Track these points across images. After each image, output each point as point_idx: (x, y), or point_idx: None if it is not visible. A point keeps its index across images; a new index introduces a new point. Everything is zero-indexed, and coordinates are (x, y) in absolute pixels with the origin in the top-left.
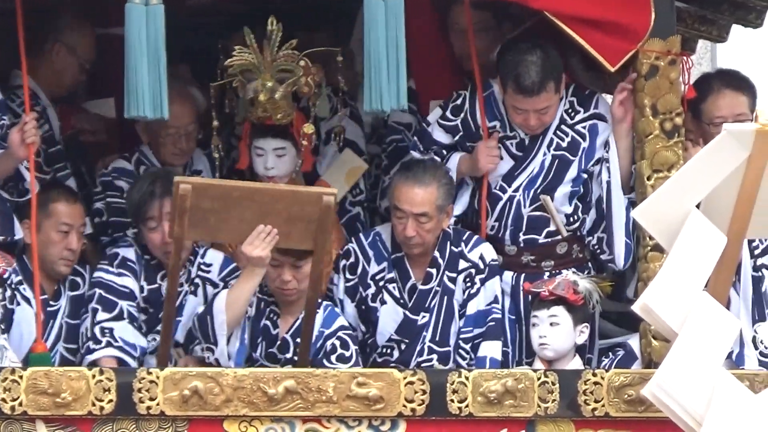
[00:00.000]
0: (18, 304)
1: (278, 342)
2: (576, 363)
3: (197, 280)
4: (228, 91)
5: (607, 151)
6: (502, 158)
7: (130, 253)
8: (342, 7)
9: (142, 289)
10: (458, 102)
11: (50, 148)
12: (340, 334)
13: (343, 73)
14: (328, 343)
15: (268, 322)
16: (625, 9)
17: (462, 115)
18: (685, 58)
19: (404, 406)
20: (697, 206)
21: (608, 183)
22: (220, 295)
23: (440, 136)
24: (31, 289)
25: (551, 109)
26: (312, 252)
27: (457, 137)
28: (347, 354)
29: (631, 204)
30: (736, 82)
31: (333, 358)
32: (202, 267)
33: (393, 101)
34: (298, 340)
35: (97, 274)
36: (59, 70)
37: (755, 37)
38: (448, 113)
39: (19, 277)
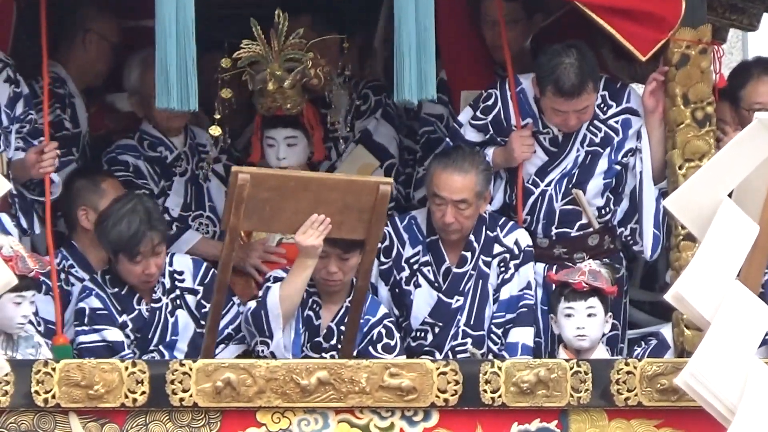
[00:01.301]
0: (72, 284)
1: (324, 331)
2: (601, 352)
3: (177, 292)
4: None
5: (640, 142)
6: (535, 151)
7: (95, 302)
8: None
9: (124, 324)
10: (489, 102)
11: (57, 132)
12: (385, 322)
13: (346, 60)
14: (375, 331)
15: (311, 313)
16: None
17: (493, 113)
18: (716, 47)
19: (437, 396)
20: (729, 195)
21: (640, 173)
22: (273, 289)
23: (472, 136)
24: (84, 271)
25: (590, 108)
26: (359, 244)
27: (488, 136)
28: (392, 343)
29: (662, 195)
30: None
31: (379, 347)
32: (175, 276)
33: (423, 92)
34: (343, 328)
35: (77, 339)
36: (94, 58)
37: None
38: (478, 113)
39: (70, 261)
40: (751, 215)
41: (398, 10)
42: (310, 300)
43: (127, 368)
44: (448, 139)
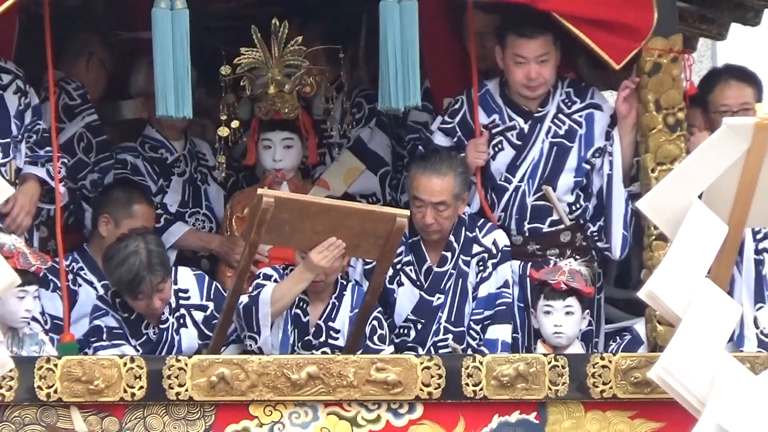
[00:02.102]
0: (80, 285)
1: (313, 329)
2: (576, 347)
3: (182, 311)
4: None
5: (611, 145)
6: (496, 153)
7: (111, 321)
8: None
9: (135, 348)
10: (456, 106)
11: (97, 137)
12: (375, 313)
13: (339, 69)
14: (368, 325)
15: (298, 311)
16: (629, 9)
17: (459, 116)
18: (686, 55)
19: (421, 389)
20: (700, 197)
21: (609, 176)
22: (266, 287)
23: (441, 140)
24: (93, 274)
25: (550, 65)
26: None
27: (456, 138)
28: (384, 333)
29: (631, 197)
30: (743, 74)
31: (375, 338)
32: (180, 295)
33: (408, 100)
34: (331, 324)
35: (98, 354)
36: (93, 79)
37: (753, 35)
38: (446, 117)
39: (80, 264)
40: (720, 216)
41: (383, 22)
42: (298, 299)
43: (125, 364)
44: (420, 146)
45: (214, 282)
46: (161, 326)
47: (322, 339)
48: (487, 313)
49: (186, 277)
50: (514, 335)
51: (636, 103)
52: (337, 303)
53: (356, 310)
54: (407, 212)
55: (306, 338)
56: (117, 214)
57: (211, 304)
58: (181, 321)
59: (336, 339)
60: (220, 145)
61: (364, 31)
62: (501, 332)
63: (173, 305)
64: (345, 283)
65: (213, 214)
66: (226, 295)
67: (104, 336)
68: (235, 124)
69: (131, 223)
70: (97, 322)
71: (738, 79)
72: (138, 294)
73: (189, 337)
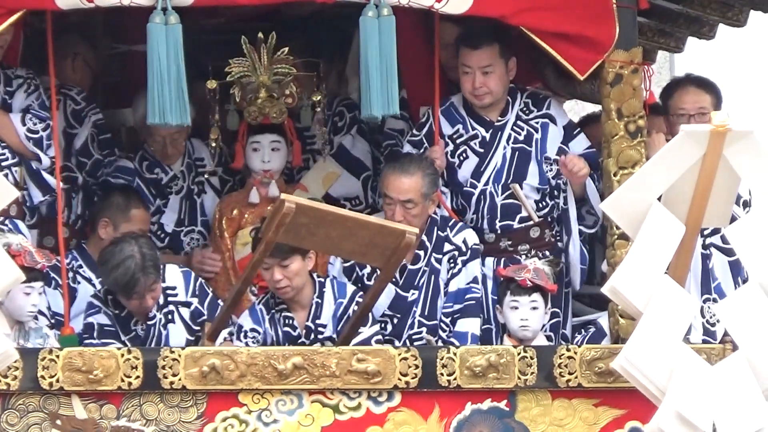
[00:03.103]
0: (79, 282)
1: (303, 332)
2: (540, 339)
3: (170, 307)
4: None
5: (565, 183)
6: (462, 162)
7: (103, 319)
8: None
9: (125, 344)
10: (423, 119)
11: (102, 135)
12: (357, 299)
13: (321, 81)
14: (350, 311)
15: (288, 329)
16: (592, 23)
17: (426, 128)
18: (646, 67)
19: (399, 379)
20: (659, 199)
21: (565, 210)
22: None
23: (409, 151)
24: (91, 272)
25: (494, 75)
26: (296, 250)
27: (422, 149)
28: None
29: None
30: (701, 82)
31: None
32: (168, 292)
33: (386, 108)
34: (318, 321)
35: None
36: (79, 80)
37: (709, 48)
38: (414, 130)
39: (79, 262)
40: (678, 217)
41: (364, 36)
42: (281, 316)
43: (123, 355)
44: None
45: (200, 278)
46: (149, 322)
47: (313, 337)
48: (457, 307)
49: (173, 274)
50: (488, 327)
51: (578, 173)
52: (320, 301)
53: (340, 300)
54: (416, 230)
55: (299, 341)
56: (116, 219)
57: (195, 300)
58: (169, 317)
59: (322, 333)
60: (213, 149)
61: (355, 48)
62: (469, 325)
63: (161, 302)
64: (323, 280)
65: (207, 230)
66: (210, 292)
67: (95, 334)
68: (214, 134)
69: (129, 227)
70: (90, 319)
71: (696, 86)
72: (132, 294)
73: (176, 332)
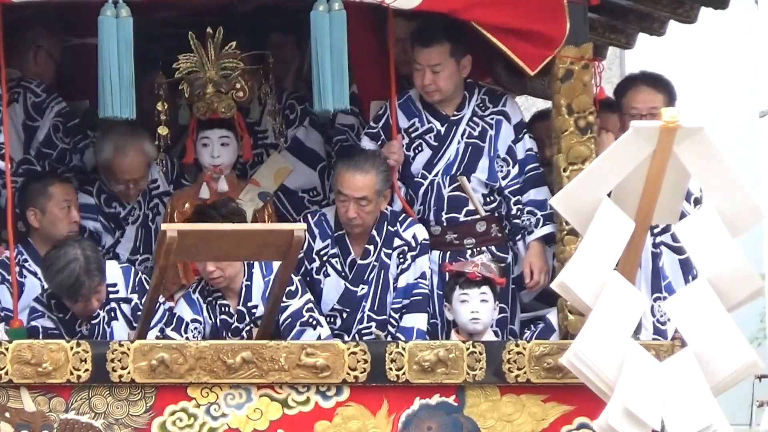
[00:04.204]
0: (25, 276)
1: (235, 315)
2: (489, 335)
3: (113, 304)
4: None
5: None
6: (416, 155)
7: (48, 323)
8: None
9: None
10: (380, 112)
11: (69, 122)
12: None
13: (267, 71)
14: (306, 315)
15: (225, 317)
16: (543, 19)
17: (383, 121)
18: (596, 63)
19: (348, 373)
20: (609, 195)
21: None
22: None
23: (367, 144)
24: (36, 265)
25: (444, 74)
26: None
27: (380, 142)
28: (294, 290)
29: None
30: (654, 80)
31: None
32: (110, 289)
33: (337, 103)
34: (249, 303)
35: None
36: (42, 72)
37: (659, 44)
38: (372, 122)
39: (25, 256)
40: (627, 213)
41: (314, 31)
42: (217, 304)
43: (72, 348)
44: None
45: (140, 274)
46: (92, 321)
47: (246, 320)
48: (405, 302)
49: (114, 271)
50: (433, 321)
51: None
52: (249, 283)
53: (267, 278)
54: (304, 226)
55: (233, 327)
56: (39, 203)
57: (135, 296)
58: (112, 314)
59: (254, 314)
60: (160, 144)
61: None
62: (416, 320)
63: (103, 300)
64: (252, 262)
65: None
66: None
67: (41, 338)
68: (163, 131)
69: (54, 205)
70: (34, 323)
71: (649, 85)
72: (78, 297)
73: (119, 329)
